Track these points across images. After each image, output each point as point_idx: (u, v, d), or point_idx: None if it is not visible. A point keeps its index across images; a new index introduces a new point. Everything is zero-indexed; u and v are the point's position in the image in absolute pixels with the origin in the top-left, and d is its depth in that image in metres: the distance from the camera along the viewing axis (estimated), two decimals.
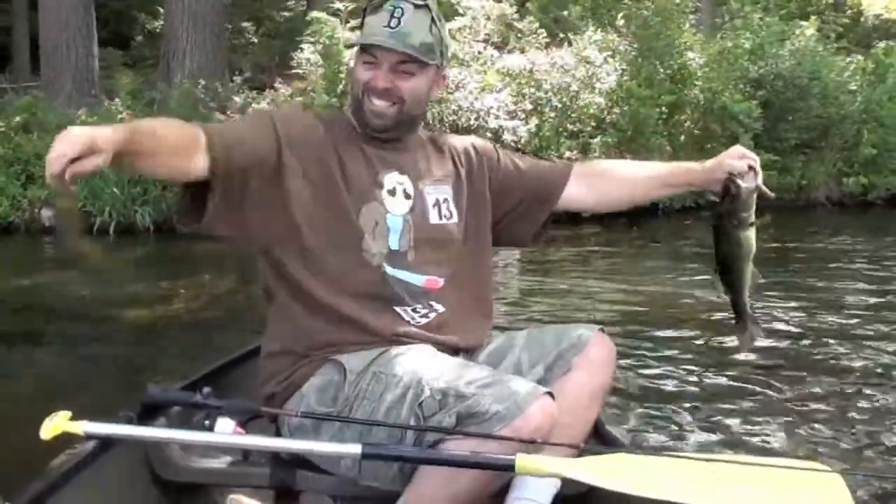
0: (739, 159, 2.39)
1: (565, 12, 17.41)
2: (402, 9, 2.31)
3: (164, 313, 7.14)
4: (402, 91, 2.33)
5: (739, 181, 2.36)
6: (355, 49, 2.43)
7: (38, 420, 1.95)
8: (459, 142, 2.64)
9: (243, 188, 2.18)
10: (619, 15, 14.43)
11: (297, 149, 2.27)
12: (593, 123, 12.92)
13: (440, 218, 2.43)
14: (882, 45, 16.85)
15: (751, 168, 2.38)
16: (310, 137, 2.32)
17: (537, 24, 15.10)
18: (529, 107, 12.55)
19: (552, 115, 12.53)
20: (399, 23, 2.29)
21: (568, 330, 2.44)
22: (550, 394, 2.06)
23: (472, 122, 11.68)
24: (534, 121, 12.55)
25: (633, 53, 13.42)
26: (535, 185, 2.62)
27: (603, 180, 2.67)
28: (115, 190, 11.53)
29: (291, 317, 2.33)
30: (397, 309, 2.32)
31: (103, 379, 5.23)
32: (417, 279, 2.35)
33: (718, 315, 6.28)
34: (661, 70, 13.16)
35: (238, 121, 2.35)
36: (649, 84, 12.97)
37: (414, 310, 2.34)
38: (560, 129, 12.65)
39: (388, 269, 2.31)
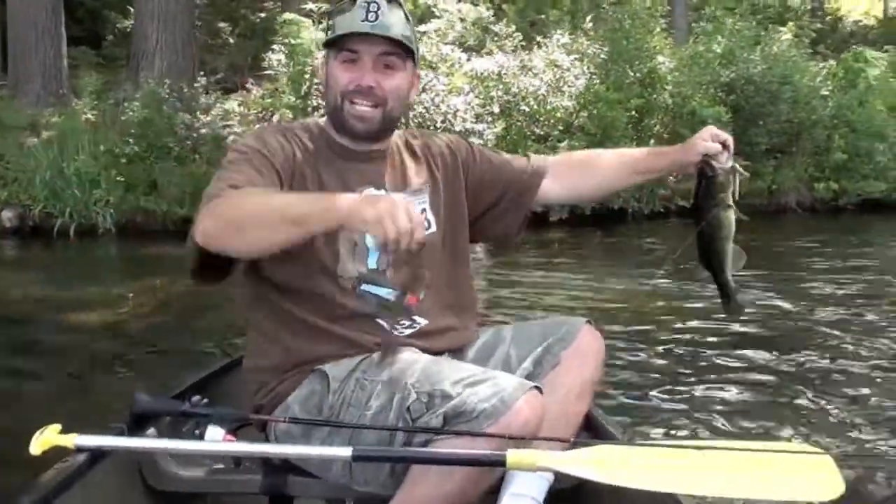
0: (712, 140, 2.39)
1: (542, 16, 17.39)
2: (376, 3, 2.27)
3: (129, 315, 7.12)
4: (385, 91, 2.30)
5: (714, 162, 2.37)
6: (324, 54, 2.39)
7: (22, 432, 1.95)
8: (434, 142, 2.60)
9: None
10: (588, 18, 14.41)
11: (286, 178, 2.25)
12: (561, 127, 12.86)
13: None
14: (853, 49, 16.83)
15: (724, 147, 2.39)
16: (291, 161, 2.28)
17: (513, 28, 15.07)
18: (497, 110, 12.47)
19: (520, 118, 12.47)
20: (377, 17, 2.26)
21: (555, 323, 2.43)
22: (538, 387, 2.04)
23: (438, 125, 11.61)
24: (501, 124, 12.47)
25: (603, 57, 13.35)
26: (512, 181, 2.59)
27: (577, 172, 2.66)
28: (75, 191, 11.43)
29: (272, 335, 2.32)
30: (380, 321, 2.29)
31: (74, 388, 5.18)
32: (396, 297, 2.29)
33: (695, 308, 6.64)
34: (631, 74, 13.10)
35: (244, 164, 2.20)
36: (618, 87, 12.90)
37: (398, 322, 2.31)
38: (528, 133, 12.58)
39: (365, 287, 2.28)
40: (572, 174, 2.65)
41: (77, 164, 11.66)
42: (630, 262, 9.89)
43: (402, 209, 1.86)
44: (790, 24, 15.98)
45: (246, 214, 2.03)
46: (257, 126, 11.95)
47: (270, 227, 2.00)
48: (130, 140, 11.83)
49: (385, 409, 2.07)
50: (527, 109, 12.53)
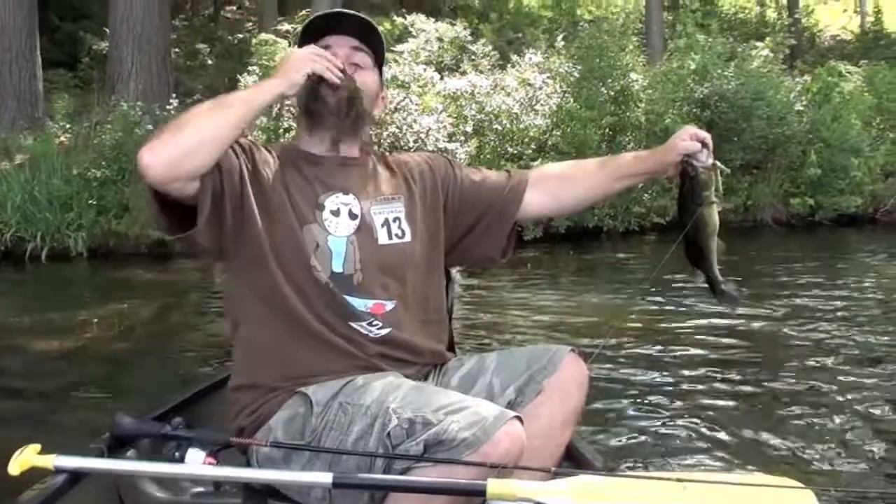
0: (691, 138, 2.43)
1: (520, 34, 17.43)
2: (348, 12, 2.45)
3: (101, 338, 7.07)
4: (355, 79, 2.38)
5: (695, 161, 2.42)
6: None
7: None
8: (412, 158, 2.63)
9: (220, 206, 2.22)
10: (560, 37, 14.45)
11: (255, 175, 2.31)
12: (534, 146, 12.85)
13: (390, 238, 2.40)
14: (829, 64, 16.87)
15: (704, 145, 2.43)
16: (262, 165, 2.34)
17: (490, 47, 15.10)
18: (470, 129, 12.46)
19: (493, 137, 12.47)
20: (349, 16, 2.44)
21: (539, 351, 2.41)
22: (519, 417, 2.04)
23: (411, 145, 11.59)
24: (474, 143, 12.46)
25: (576, 75, 13.36)
26: (494, 196, 2.59)
27: (559, 183, 2.67)
28: (47, 215, 11.37)
29: (254, 345, 2.35)
30: (352, 324, 2.30)
31: (47, 410, 5.16)
32: (361, 304, 2.32)
33: (673, 329, 6.67)
34: (604, 91, 13.11)
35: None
36: (590, 106, 12.91)
37: (370, 324, 2.32)
38: (501, 152, 12.56)
39: (335, 290, 2.30)
40: (554, 185, 2.65)
41: (49, 188, 11.60)
42: (606, 281, 9.83)
43: (311, 50, 2.27)
44: (767, 39, 15.98)
45: (184, 121, 2.15)
46: None
47: (215, 118, 2.15)
48: (103, 163, 11.77)
49: (366, 433, 2.07)
50: (500, 128, 12.52)
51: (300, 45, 2.42)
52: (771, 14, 23.59)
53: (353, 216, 2.36)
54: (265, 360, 2.33)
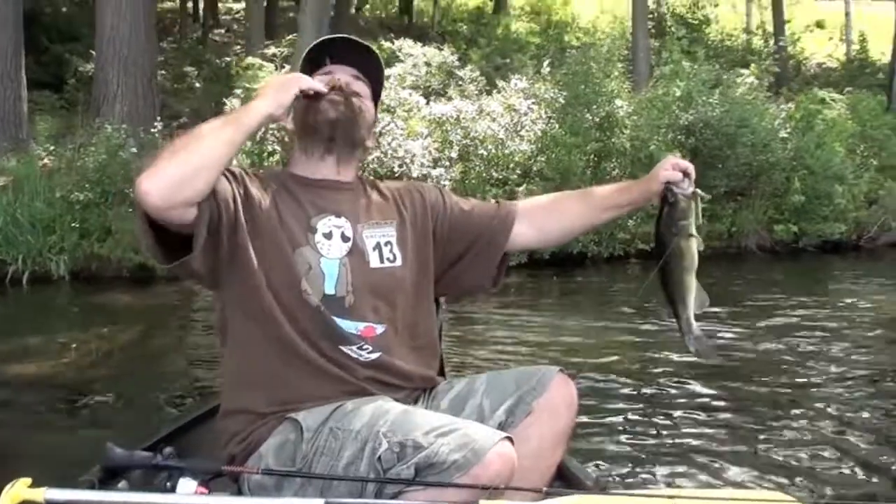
0: (673, 168, 2.45)
1: (507, 60, 17.48)
2: (353, 39, 2.51)
3: (81, 364, 7.03)
4: (357, 95, 2.43)
5: (675, 189, 2.42)
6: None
7: None
8: (403, 185, 2.66)
9: (216, 232, 2.25)
10: (546, 63, 14.48)
11: (247, 200, 2.33)
12: (519, 171, 12.85)
13: (382, 261, 2.42)
14: (811, 91, 16.95)
15: (686, 175, 2.43)
16: (254, 189, 2.36)
17: (478, 73, 15.12)
18: (455, 154, 12.46)
19: (478, 162, 12.47)
20: (354, 44, 2.50)
21: (528, 372, 2.43)
22: (510, 438, 2.06)
23: (395, 169, 11.58)
24: (459, 168, 12.45)
25: (561, 101, 13.38)
26: (483, 227, 2.61)
27: (546, 215, 2.68)
28: (29, 238, 11.27)
29: (244, 370, 2.35)
30: (343, 348, 2.32)
31: (28, 438, 5.13)
32: (352, 326, 2.34)
33: (658, 352, 6.74)
34: (589, 117, 13.12)
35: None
36: (574, 132, 12.92)
37: (360, 347, 2.34)
38: (486, 177, 12.55)
39: (326, 313, 2.31)
40: (542, 217, 2.67)
41: (32, 210, 11.51)
42: (591, 307, 9.84)
43: (293, 75, 2.32)
44: (753, 66, 16.03)
45: (178, 142, 2.16)
46: None
47: (202, 135, 2.16)
48: (86, 186, 11.71)
49: (357, 458, 2.09)
50: (485, 153, 12.52)
51: (302, 72, 2.45)
52: (758, 42, 23.67)
53: (345, 239, 2.38)
54: (255, 385, 2.33)
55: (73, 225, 11.49)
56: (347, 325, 2.32)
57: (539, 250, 10.76)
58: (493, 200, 2.77)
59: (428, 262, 2.54)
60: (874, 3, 31.51)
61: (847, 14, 26.20)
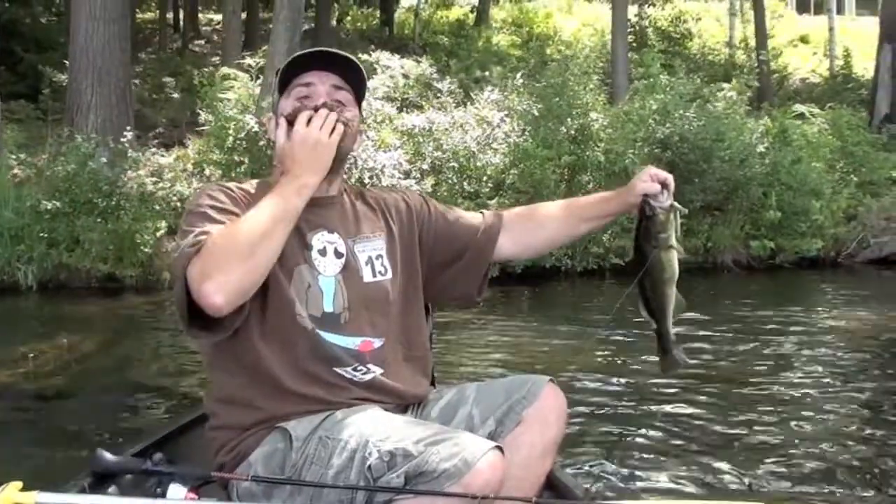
0: (651, 179, 2.44)
1: (487, 73, 17.44)
2: (330, 51, 2.44)
3: (49, 373, 7.01)
4: (341, 115, 2.35)
5: (653, 202, 2.42)
6: (269, 117, 2.49)
7: None
8: (389, 195, 2.64)
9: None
10: (518, 74, 14.42)
11: None
12: (491, 184, 12.76)
13: (374, 275, 2.43)
14: (788, 106, 16.91)
15: (664, 187, 2.43)
16: (244, 211, 2.29)
17: (456, 85, 15.07)
18: (426, 166, 12.37)
19: (450, 175, 12.39)
20: (331, 54, 2.42)
21: (518, 381, 2.44)
22: (500, 448, 2.06)
23: (366, 181, 11.47)
24: (430, 180, 12.35)
25: (534, 113, 13.30)
26: (469, 237, 2.62)
27: (527, 227, 2.69)
28: None
29: (232, 390, 2.33)
30: (337, 370, 2.31)
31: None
32: (351, 342, 2.33)
33: (635, 363, 6.86)
34: (563, 130, 13.04)
35: (205, 220, 2.25)
36: (548, 145, 12.83)
37: (355, 368, 2.33)
38: (458, 190, 12.46)
39: (320, 333, 2.29)
40: (523, 230, 2.67)
41: (0, 220, 11.43)
42: (563, 320, 9.68)
43: (312, 130, 2.25)
44: (734, 81, 15.96)
45: (242, 238, 2.10)
46: (194, 186, 11.88)
47: (268, 234, 2.12)
48: (55, 195, 11.64)
49: (347, 467, 2.08)
50: (456, 166, 12.42)
51: (280, 81, 2.45)
52: (741, 56, 23.65)
53: (338, 255, 2.38)
54: (243, 405, 2.31)
55: (41, 235, 11.42)
56: (345, 342, 2.32)
57: (514, 262, 10.70)
58: (477, 211, 2.77)
59: (416, 271, 2.56)
60: (859, 17, 31.68)
61: (831, 29, 26.16)
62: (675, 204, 2.44)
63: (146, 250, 11.41)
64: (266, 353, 2.27)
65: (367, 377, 2.33)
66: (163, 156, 13.85)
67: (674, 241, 2.44)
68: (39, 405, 6.11)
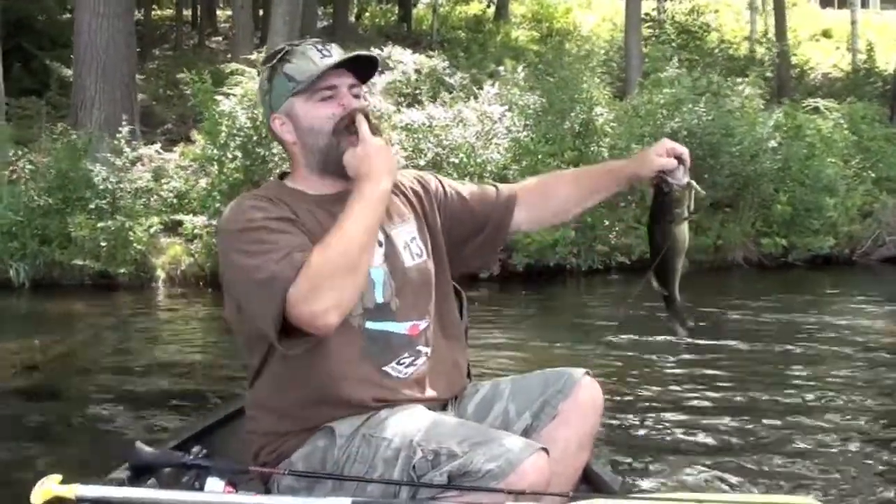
0: (667, 154, 2.41)
1: (500, 67, 17.25)
2: (320, 44, 2.36)
3: (42, 371, 7.07)
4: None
5: (670, 178, 2.39)
6: (279, 119, 2.36)
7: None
8: (405, 177, 2.62)
9: None
10: (520, 68, 14.20)
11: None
12: (492, 180, 12.53)
13: (412, 258, 2.44)
14: (797, 99, 16.57)
15: (680, 162, 2.39)
16: (309, 236, 2.26)
17: (469, 79, 14.89)
18: (423, 163, 12.18)
19: (451, 171, 12.20)
20: (331, 53, 2.33)
21: (554, 374, 2.43)
22: (545, 450, 2.06)
23: None
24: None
25: (536, 108, 13.09)
26: (490, 212, 2.63)
27: (540, 200, 2.68)
28: None
29: (277, 399, 2.32)
30: (385, 368, 2.31)
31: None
32: (401, 327, 2.34)
33: (655, 359, 6.87)
34: (567, 124, 12.80)
35: (272, 236, 2.23)
36: (550, 140, 12.60)
37: (399, 362, 2.33)
38: None
39: (370, 325, 2.30)
40: (535, 201, 2.67)
41: None
42: (568, 320, 9.53)
43: (379, 146, 2.22)
44: (752, 75, 15.61)
45: (346, 254, 2.09)
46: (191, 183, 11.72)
47: (365, 246, 2.13)
48: (48, 191, 11.61)
49: (390, 465, 2.11)
50: (456, 161, 12.23)
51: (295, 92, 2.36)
52: (761, 50, 23.25)
53: (379, 244, 2.35)
54: (289, 419, 2.32)
55: (34, 231, 11.40)
56: (396, 327, 2.33)
57: (511, 256, 10.53)
58: (494, 184, 2.76)
59: (441, 249, 2.57)
60: (884, 11, 31.17)
61: (853, 23, 25.72)
62: (693, 182, 2.41)
63: (139, 247, 11.33)
64: (315, 360, 2.24)
65: (413, 369, 2.34)
66: (159, 152, 13.78)
67: (687, 213, 2.44)
68: (32, 402, 6.14)
